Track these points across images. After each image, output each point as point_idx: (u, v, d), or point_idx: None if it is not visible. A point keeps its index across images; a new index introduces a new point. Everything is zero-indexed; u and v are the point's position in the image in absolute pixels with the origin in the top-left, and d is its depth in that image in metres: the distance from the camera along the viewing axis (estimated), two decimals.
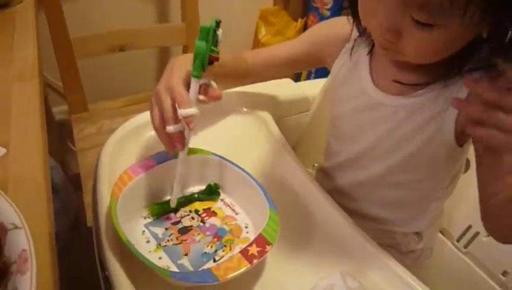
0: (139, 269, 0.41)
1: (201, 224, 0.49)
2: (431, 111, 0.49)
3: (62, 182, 1.04)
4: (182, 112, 0.43)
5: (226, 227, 0.49)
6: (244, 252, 0.41)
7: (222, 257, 0.45)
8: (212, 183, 0.53)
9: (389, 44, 0.44)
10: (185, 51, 1.21)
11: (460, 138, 0.49)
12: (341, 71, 0.58)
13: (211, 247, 0.46)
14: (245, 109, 0.66)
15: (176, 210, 0.50)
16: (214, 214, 0.51)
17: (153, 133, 0.50)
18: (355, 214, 0.53)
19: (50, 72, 1.21)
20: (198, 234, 0.48)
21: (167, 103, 0.45)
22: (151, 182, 0.50)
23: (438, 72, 0.47)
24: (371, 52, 0.55)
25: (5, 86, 0.54)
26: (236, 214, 0.51)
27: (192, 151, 0.52)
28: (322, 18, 1.38)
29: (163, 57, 1.36)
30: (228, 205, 0.52)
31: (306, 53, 0.63)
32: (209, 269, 0.39)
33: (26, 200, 0.34)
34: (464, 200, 0.69)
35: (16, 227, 0.27)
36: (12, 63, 0.60)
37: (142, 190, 0.49)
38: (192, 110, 0.44)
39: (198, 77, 0.45)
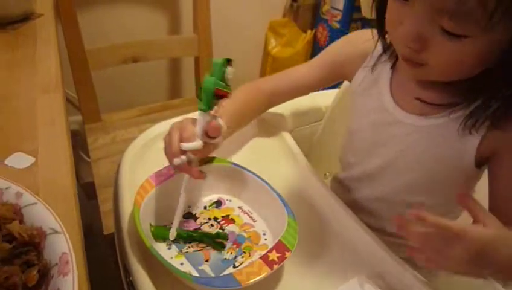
0: (161, 274, 0.42)
1: (219, 230, 0.51)
2: (451, 134, 0.48)
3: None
4: (185, 145, 0.46)
5: (244, 234, 0.50)
6: (264, 258, 0.42)
7: (241, 263, 0.46)
8: (221, 232, 0.51)
9: (413, 54, 0.43)
10: (196, 62, 1.24)
11: (480, 162, 0.49)
12: (362, 84, 0.58)
13: (231, 253, 0.48)
14: (259, 120, 0.67)
15: (194, 217, 0.52)
16: (233, 221, 0.52)
17: None
18: (369, 227, 0.53)
19: (65, 81, 1.24)
20: None
21: (175, 137, 0.47)
22: (170, 190, 0.51)
23: (462, 93, 0.47)
24: (393, 68, 0.55)
25: (30, 97, 0.56)
26: (254, 221, 0.52)
27: (211, 160, 0.53)
28: (331, 30, 1.40)
29: (176, 68, 1.38)
30: (246, 213, 0.53)
31: (327, 75, 0.63)
32: (231, 274, 0.41)
33: (58, 206, 0.36)
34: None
35: (56, 232, 0.28)
36: (35, 76, 0.62)
37: (162, 198, 0.51)
38: (194, 144, 0.46)
39: (204, 110, 0.46)
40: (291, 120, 0.71)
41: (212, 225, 0.51)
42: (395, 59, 0.54)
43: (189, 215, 0.53)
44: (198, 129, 0.47)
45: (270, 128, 0.67)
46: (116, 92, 1.28)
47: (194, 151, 0.46)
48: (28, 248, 0.29)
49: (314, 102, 0.75)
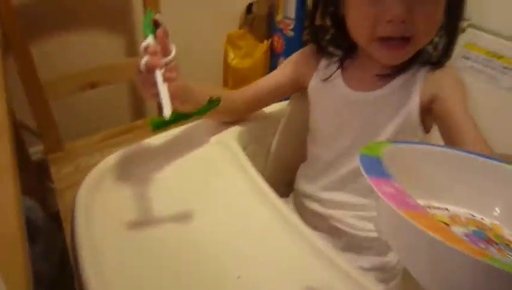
0: None
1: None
2: (400, 98, 0.60)
3: (44, 222, 1.05)
4: (142, 44, 0.53)
5: None
6: None
7: None
8: (214, 97, 0.59)
9: (401, 28, 0.53)
10: None
11: (425, 121, 0.60)
12: (317, 86, 0.68)
13: None
14: (213, 140, 0.69)
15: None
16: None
17: (127, 169, 0.59)
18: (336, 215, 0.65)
19: (24, 113, 1.23)
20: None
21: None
22: None
23: (402, 65, 0.59)
24: (341, 66, 0.66)
25: None
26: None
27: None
28: (286, 38, 1.43)
29: (136, 90, 1.39)
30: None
31: (288, 79, 0.71)
32: None
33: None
34: None
35: None
36: None
37: None
38: (147, 41, 0.53)
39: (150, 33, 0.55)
40: (244, 136, 0.73)
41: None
42: (341, 62, 0.66)
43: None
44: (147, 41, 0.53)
45: (223, 147, 0.68)
46: (78, 119, 1.27)
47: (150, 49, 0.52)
48: None
49: (267, 116, 0.77)
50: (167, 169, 0.64)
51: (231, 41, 1.52)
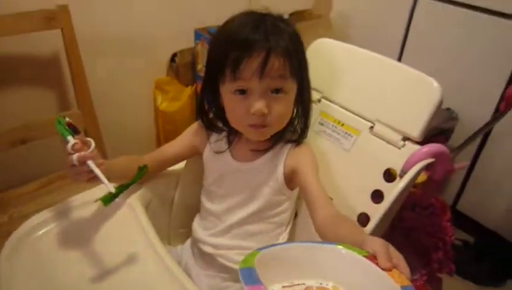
0: None
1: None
2: (269, 168, 0.79)
3: None
4: (68, 145, 0.66)
5: None
6: None
7: None
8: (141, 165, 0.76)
9: (261, 119, 0.72)
10: (86, 134, 1.36)
11: (289, 181, 0.79)
12: (209, 156, 0.85)
13: None
14: (117, 199, 0.83)
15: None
16: None
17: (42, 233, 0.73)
18: (224, 254, 0.83)
19: None
20: None
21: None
22: None
23: (270, 143, 0.79)
24: (229, 144, 0.83)
25: None
26: None
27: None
28: None
29: None
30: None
31: (188, 146, 0.88)
32: None
33: None
34: None
35: None
36: None
37: None
38: (71, 142, 0.67)
39: (68, 135, 0.68)
40: (149, 194, 0.87)
41: None
42: (228, 139, 0.83)
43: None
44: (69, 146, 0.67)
45: (126, 205, 0.82)
46: (10, 171, 1.35)
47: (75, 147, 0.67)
48: None
49: (167, 174, 0.92)
50: (82, 229, 0.78)
51: (159, 86, 1.66)
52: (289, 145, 0.80)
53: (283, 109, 0.74)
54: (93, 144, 0.69)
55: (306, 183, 0.75)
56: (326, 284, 0.54)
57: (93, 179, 0.68)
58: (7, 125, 1.21)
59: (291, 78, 0.72)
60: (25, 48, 1.32)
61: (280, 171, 0.79)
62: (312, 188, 0.73)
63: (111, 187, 0.66)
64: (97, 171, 0.66)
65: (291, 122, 0.80)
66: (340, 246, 0.55)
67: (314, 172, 0.76)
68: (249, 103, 0.71)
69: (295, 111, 0.80)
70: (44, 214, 0.79)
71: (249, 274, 0.48)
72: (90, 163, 0.66)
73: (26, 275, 0.69)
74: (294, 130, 0.82)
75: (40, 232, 0.76)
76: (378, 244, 0.53)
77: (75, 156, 0.65)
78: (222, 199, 0.85)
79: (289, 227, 0.86)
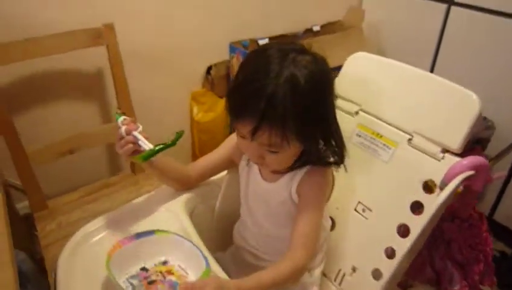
0: None
1: (162, 279, 0.73)
2: (287, 187, 0.80)
3: (32, 272, 1.21)
4: (119, 120, 0.78)
5: (179, 281, 0.73)
6: None
7: None
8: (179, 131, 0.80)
9: (259, 161, 0.75)
10: None
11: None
12: (244, 169, 0.88)
13: None
14: (163, 208, 0.88)
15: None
16: (172, 273, 0.74)
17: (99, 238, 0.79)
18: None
19: (12, 173, 1.38)
20: (161, 285, 0.71)
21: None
22: (131, 250, 0.74)
23: (290, 167, 0.79)
24: None
25: None
26: (187, 274, 0.75)
27: (156, 231, 0.78)
28: None
29: (111, 148, 1.57)
30: (182, 269, 0.76)
31: (227, 157, 0.91)
32: None
33: None
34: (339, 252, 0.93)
35: None
36: None
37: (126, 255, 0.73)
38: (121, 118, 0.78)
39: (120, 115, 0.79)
40: (193, 201, 0.92)
41: (158, 275, 0.74)
42: None
43: (143, 269, 0.75)
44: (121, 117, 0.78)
45: (171, 214, 0.87)
46: (59, 179, 1.44)
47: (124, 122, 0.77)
48: None
49: (210, 183, 0.96)
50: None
51: (195, 98, 1.71)
52: (304, 170, 0.78)
53: (279, 160, 0.74)
54: (140, 127, 0.77)
55: (296, 218, 0.77)
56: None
57: (138, 152, 0.76)
58: (56, 137, 1.29)
59: (288, 142, 0.69)
60: (73, 64, 1.41)
61: (293, 193, 0.80)
62: (298, 226, 0.76)
63: (151, 146, 0.75)
64: (140, 137, 0.75)
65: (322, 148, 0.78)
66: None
67: (311, 208, 0.77)
68: (247, 149, 0.75)
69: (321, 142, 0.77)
70: (99, 221, 0.84)
71: None
72: (136, 133, 0.75)
73: (82, 276, 0.75)
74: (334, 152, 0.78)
75: (95, 239, 0.82)
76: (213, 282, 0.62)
77: (123, 128, 0.75)
78: (249, 212, 0.89)
79: (324, 233, 0.88)
